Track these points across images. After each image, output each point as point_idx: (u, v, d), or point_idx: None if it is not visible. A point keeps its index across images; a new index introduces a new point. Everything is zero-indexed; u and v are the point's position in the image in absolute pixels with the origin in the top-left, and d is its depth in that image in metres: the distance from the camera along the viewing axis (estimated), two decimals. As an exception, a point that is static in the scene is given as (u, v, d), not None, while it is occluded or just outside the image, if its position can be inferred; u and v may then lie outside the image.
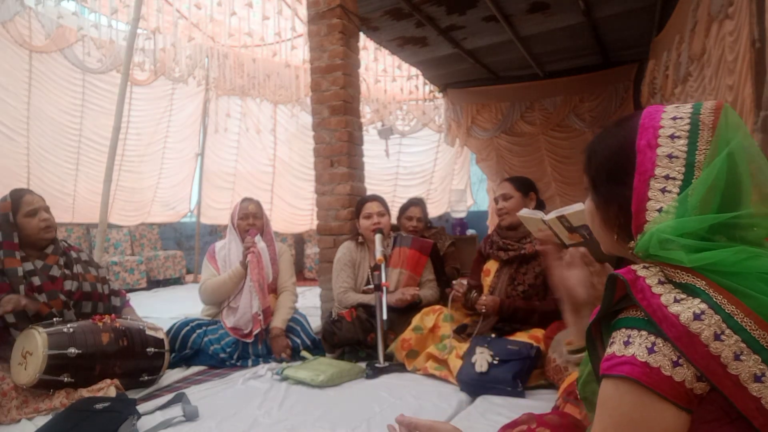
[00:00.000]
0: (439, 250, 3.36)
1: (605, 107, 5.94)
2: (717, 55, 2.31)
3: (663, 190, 0.71)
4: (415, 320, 2.68)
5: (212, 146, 7.31)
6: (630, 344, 0.65)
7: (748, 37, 1.86)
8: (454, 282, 2.65)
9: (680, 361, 0.62)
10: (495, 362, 2.20)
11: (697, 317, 0.61)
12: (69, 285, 2.41)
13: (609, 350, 0.68)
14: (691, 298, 0.64)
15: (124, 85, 3.78)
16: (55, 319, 2.25)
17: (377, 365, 2.56)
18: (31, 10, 4.91)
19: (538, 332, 2.37)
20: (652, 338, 0.64)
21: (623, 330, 0.67)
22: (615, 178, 0.78)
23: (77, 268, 2.50)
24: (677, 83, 3.18)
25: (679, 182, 0.71)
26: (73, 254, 2.55)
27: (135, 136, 6.42)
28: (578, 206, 1.46)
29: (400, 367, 2.59)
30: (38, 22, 5.04)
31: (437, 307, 2.75)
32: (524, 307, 2.47)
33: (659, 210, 0.71)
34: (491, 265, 2.70)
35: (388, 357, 2.64)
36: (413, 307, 2.84)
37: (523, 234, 2.60)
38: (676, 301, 0.64)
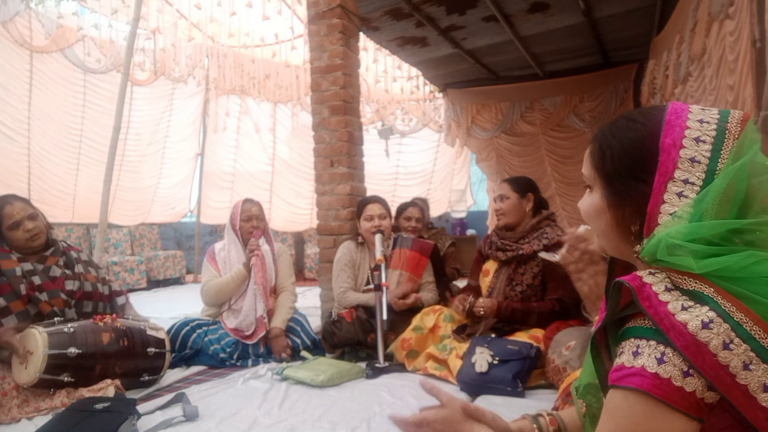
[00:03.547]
0: (440, 250, 3.35)
1: (605, 107, 5.94)
2: (717, 55, 2.31)
3: (680, 195, 0.69)
4: (415, 320, 2.68)
5: (212, 146, 7.31)
6: (639, 355, 0.64)
7: (749, 37, 1.86)
8: (453, 286, 2.65)
9: (690, 371, 0.61)
10: (495, 362, 2.20)
11: (705, 326, 0.60)
12: (71, 285, 2.41)
13: (618, 360, 0.67)
14: (699, 305, 0.62)
15: (124, 85, 3.78)
16: (56, 318, 2.25)
17: (377, 365, 2.56)
18: (32, 10, 4.91)
19: (538, 332, 2.38)
20: (662, 348, 0.63)
21: (632, 340, 0.66)
22: (635, 174, 0.73)
23: (78, 268, 2.50)
24: (677, 83, 3.18)
25: (698, 188, 0.68)
26: (74, 254, 2.55)
27: (135, 136, 6.42)
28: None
29: (400, 367, 2.59)
30: (38, 22, 5.04)
31: (437, 307, 2.75)
32: (522, 308, 2.46)
33: (672, 214, 0.68)
34: (490, 266, 2.70)
35: (388, 357, 2.64)
36: (414, 308, 2.83)
37: (521, 234, 2.60)
38: (683, 309, 0.62)
